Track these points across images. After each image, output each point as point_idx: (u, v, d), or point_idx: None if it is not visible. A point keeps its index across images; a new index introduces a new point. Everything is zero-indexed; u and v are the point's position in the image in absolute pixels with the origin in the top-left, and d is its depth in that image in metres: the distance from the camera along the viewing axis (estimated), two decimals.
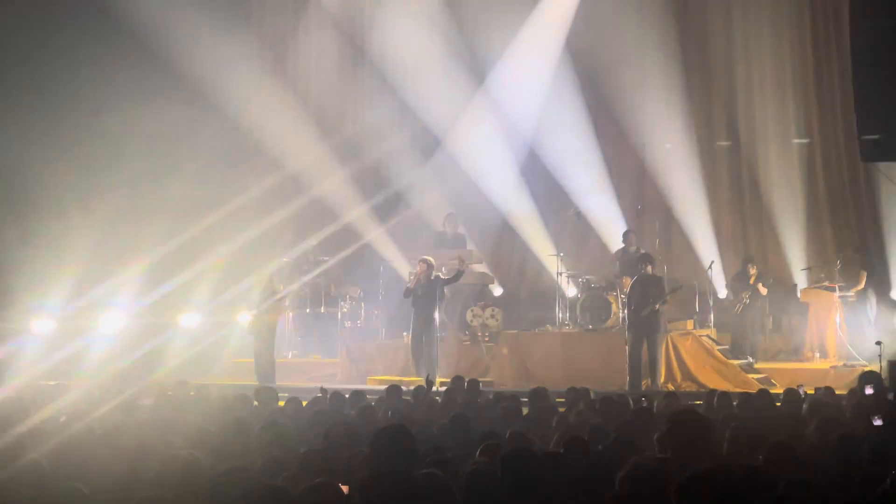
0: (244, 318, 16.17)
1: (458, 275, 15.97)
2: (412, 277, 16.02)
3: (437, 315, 15.83)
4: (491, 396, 11.49)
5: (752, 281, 16.98)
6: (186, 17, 18.33)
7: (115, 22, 17.68)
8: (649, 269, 15.47)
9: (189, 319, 16.88)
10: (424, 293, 15.82)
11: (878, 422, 8.34)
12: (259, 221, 18.71)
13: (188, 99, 18.06)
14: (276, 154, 19.64)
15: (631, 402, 10.09)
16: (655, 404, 10.14)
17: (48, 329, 16.15)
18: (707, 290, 17.57)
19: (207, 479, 5.62)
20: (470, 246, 18.57)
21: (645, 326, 15.23)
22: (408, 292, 15.94)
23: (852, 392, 10.27)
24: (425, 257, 16.16)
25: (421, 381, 13.99)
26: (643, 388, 14.79)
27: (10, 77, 17.84)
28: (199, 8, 18.45)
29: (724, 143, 19.56)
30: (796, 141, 19.04)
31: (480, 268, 18.69)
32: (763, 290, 16.93)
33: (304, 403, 10.54)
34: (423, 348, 15.69)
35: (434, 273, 15.93)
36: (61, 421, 9.05)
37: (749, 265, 17.15)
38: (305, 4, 20.85)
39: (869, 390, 9.66)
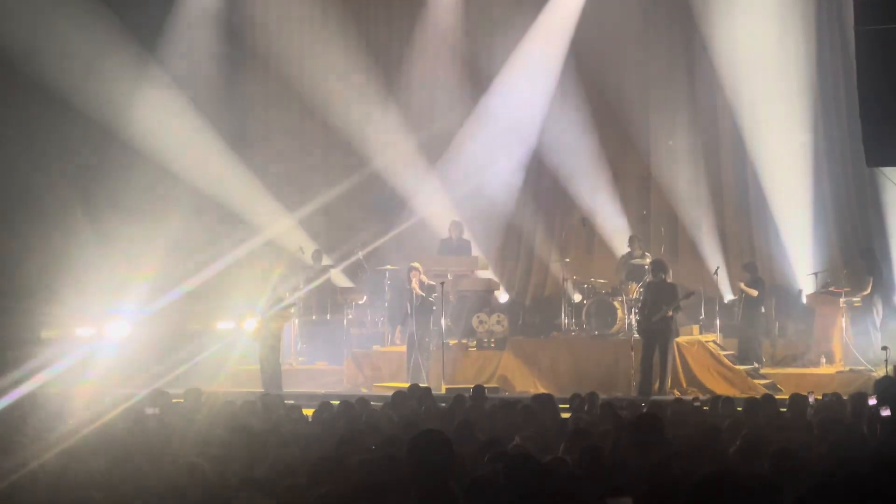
0: (249, 324, 16.20)
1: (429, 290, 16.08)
2: (414, 281, 16.12)
3: (431, 321, 16.08)
4: (497, 403, 11.48)
5: (742, 285, 16.88)
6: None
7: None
8: (661, 275, 15.44)
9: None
10: (421, 300, 16.00)
11: (886, 412, 8.34)
12: (267, 227, 18.86)
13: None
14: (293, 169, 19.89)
15: (642, 407, 10.10)
16: (666, 410, 10.13)
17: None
18: (713, 296, 17.57)
19: (214, 487, 5.63)
20: (475, 252, 18.59)
21: (657, 332, 15.23)
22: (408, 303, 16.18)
23: (854, 397, 10.22)
24: (413, 264, 16.35)
25: (426, 388, 14.00)
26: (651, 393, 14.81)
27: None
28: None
29: (730, 149, 19.54)
30: (802, 146, 19.01)
31: (486, 274, 18.71)
32: (753, 293, 16.68)
33: (311, 412, 10.54)
34: (417, 354, 15.89)
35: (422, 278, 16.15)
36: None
37: (743, 271, 17.15)
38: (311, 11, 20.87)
39: (872, 400, 9.59)
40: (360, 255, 18.77)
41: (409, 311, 16.18)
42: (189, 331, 16.97)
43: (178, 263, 17.44)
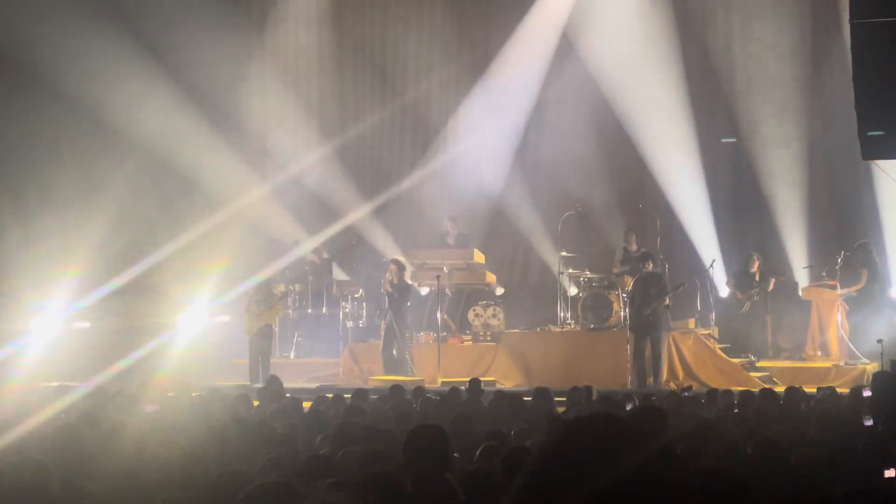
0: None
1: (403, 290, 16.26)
2: (386, 280, 16.34)
3: (408, 314, 16.37)
4: (493, 396, 11.50)
5: (757, 278, 16.97)
6: (188, 17, 18.37)
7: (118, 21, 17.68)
8: (650, 266, 15.50)
9: (189, 320, 16.83)
10: (400, 294, 16.16)
11: (868, 422, 8.38)
12: (260, 221, 18.73)
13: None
14: (278, 153, 19.66)
15: (636, 401, 10.11)
16: (661, 402, 10.16)
17: (50, 329, 16.09)
18: (709, 289, 17.59)
19: (210, 478, 5.63)
20: (472, 246, 18.59)
21: (648, 325, 15.25)
22: (386, 296, 16.39)
23: (854, 391, 10.27)
24: (396, 258, 16.57)
25: (421, 381, 14.07)
26: (647, 386, 14.83)
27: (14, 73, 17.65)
28: (202, 10, 18.52)
29: (725, 141, 19.55)
30: (797, 138, 19.03)
31: (482, 268, 18.70)
32: (771, 286, 16.88)
33: (308, 405, 10.55)
34: (395, 347, 16.11)
35: (404, 275, 16.37)
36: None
37: (751, 262, 17.15)
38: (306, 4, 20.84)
39: (867, 392, 9.66)
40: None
41: (385, 306, 16.42)
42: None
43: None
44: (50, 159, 17.49)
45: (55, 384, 12.17)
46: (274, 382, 11.79)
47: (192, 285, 16.87)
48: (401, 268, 16.39)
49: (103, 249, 16.68)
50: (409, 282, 16.62)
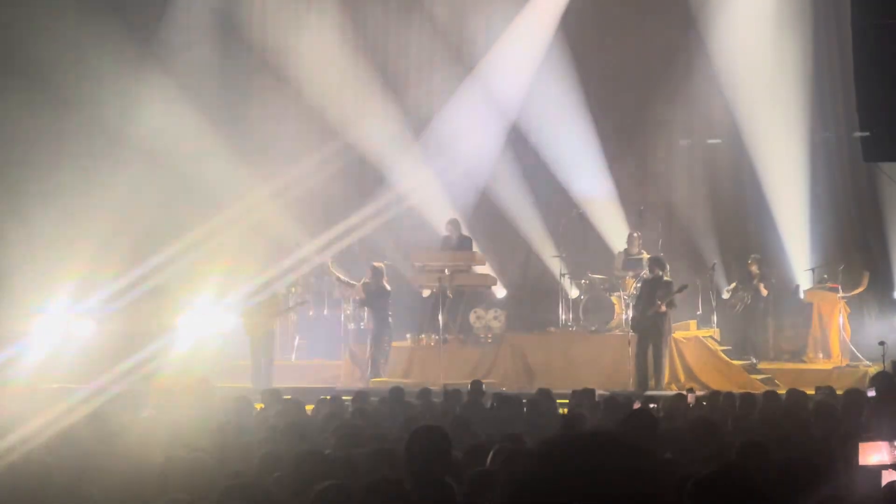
0: (241, 320, 16.23)
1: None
2: (359, 287, 16.68)
3: (390, 319, 16.59)
4: (493, 398, 11.49)
5: (755, 280, 16.98)
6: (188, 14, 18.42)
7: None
8: (658, 272, 15.44)
9: (192, 322, 16.80)
10: (379, 297, 16.39)
11: (871, 392, 8.41)
12: (261, 223, 18.70)
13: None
14: (279, 155, 19.64)
15: (638, 404, 10.10)
16: (662, 405, 10.15)
17: (52, 331, 16.07)
18: (710, 291, 17.58)
19: (215, 481, 5.63)
20: (474, 249, 18.57)
21: (650, 327, 15.24)
22: (361, 302, 16.77)
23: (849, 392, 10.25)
24: (375, 263, 16.80)
25: (424, 383, 14.07)
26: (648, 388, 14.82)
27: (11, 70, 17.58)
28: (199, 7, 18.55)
29: (727, 143, 19.53)
30: (798, 140, 19.02)
31: (483, 269, 18.70)
32: (764, 291, 16.91)
33: (310, 407, 10.55)
34: (378, 354, 16.33)
35: (382, 280, 16.55)
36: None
37: (752, 265, 17.16)
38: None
39: (871, 393, 9.67)
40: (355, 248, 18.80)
41: (365, 308, 16.81)
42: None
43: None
44: (51, 160, 17.44)
45: (56, 386, 12.19)
46: (269, 385, 11.80)
47: (196, 287, 16.85)
48: (377, 272, 16.50)
49: (105, 251, 16.66)
50: (388, 287, 16.65)
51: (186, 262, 17.09)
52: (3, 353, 15.05)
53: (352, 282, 17.31)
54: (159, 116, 17.93)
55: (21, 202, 17.28)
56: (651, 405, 9.58)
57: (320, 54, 20.39)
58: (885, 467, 5.87)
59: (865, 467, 5.89)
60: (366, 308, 16.83)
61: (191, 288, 16.79)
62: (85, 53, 17.50)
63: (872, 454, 5.93)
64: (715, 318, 17.26)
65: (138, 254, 17.09)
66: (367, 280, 16.62)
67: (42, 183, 17.42)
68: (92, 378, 13.59)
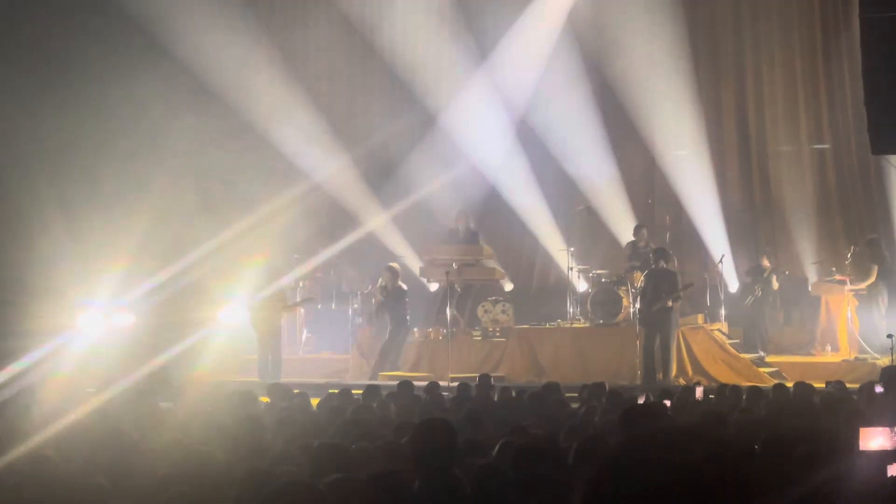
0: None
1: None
2: (378, 288, 16.69)
3: (408, 318, 16.63)
4: (502, 392, 11.50)
5: (766, 274, 16.98)
6: (192, 13, 18.41)
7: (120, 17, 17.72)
8: (662, 264, 15.46)
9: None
10: (397, 299, 16.39)
11: (879, 388, 8.41)
12: (273, 219, 18.72)
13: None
14: (290, 154, 19.69)
15: (650, 397, 10.11)
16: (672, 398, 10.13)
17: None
18: (718, 284, 17.58)
19: (224, 475, 5.65)
20: (479, 242, 18.58)
21: (656, 321, 15.24)
22: (379, 305, 16.67)
23: (863, 387, 10.25)
24: (390, 264, 16.84)
25: (433, 377, 14.10)
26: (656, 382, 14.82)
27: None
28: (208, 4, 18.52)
29: (735, 137, 19.52)
30: (807, 134, 19.01)
31: (491, 263, 18.71)
32: (776, 285, 16.93)
33: (317, 401, 10.57)
34: (390, 349, 16.33)
35: (398, 280, 16.55)
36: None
37: (764, 258, 17.16)
38: None
39: (879, 388, 9.67)
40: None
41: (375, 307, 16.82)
42: (166, 321, 16.56)
43: (153, 253, 17.15)
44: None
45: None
46: (276, 380, 11.82)
47: (232, 281, 16.87)
48: (393, 273, 16.52)
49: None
50: (404, 287, 16.66)
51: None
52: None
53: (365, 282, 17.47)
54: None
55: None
56: (665, 401, 9.53)
57: (327, 50, 20.42)
58: (886, 452, 5.87)
59: (866, 452, 5.90)
60: (385, 309, 16.66)
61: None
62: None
63: (873, 439, 5.95)
64: (723, 311, 17.27)
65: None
66: (384, 283, 16.59)
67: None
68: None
